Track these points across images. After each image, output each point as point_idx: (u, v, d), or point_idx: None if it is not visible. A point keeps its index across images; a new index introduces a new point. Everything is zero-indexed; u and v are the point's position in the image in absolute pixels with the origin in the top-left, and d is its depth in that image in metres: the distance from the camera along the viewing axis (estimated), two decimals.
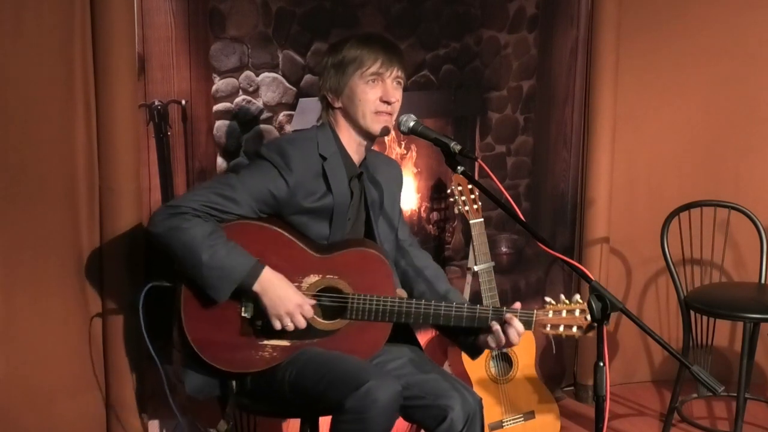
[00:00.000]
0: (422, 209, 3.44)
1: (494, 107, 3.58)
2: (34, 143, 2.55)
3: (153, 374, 2.71)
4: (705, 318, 3.53)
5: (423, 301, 2.36)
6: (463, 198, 3.14)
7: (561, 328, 2.33)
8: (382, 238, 2.51)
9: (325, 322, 2.36)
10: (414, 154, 3.37)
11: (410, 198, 3.40)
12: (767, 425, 3.63)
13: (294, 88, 3.01)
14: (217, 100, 2.86)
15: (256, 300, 2.30)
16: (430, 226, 3.48)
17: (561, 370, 3.96)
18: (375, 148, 2.60)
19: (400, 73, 2.41)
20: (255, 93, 2.93)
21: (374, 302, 2.34)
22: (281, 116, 2.99)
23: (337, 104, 2.42)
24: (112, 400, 2.77)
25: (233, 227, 2.29)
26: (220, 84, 2.85)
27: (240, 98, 2.90)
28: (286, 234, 2.33)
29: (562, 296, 2.35)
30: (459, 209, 3.15)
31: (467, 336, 2.44)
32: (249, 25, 2.89)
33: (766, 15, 3.83)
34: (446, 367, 3.34)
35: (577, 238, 3.88)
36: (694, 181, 3.90)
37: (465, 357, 3.21)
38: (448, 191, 3.19)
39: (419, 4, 3.28)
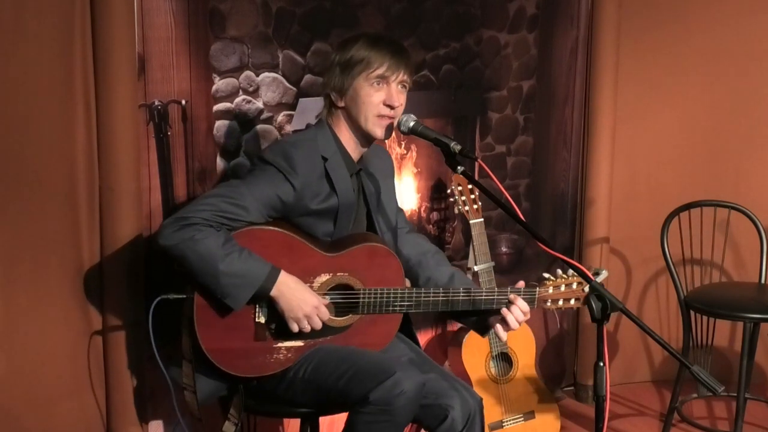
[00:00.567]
0: (422, 209, 3.44)
1: (494, 107, 3.58)
2: (34, 143, 2.55)
3: (153, 374, 2.71)
4: (705, 318, 3.53)
5: (432, 290, 2.38)
6: (463, 198, 3.14)
7: (560, 302, 2.38)
8: (383, 229, 2.52)
9: (339, 319, 2.37)
10: (414, 154, 3.37)
11: (410, 198, 3.40)
12: (767, 425, 3.63)
13: (294, 88, 3.01)
14: (217, 100, 2.86)
15: (271, 304, 2.30)
16: (430, 226, 3.48)
17: (561, 370, 3.97)
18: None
19: (405, 77, 2.41)
20: (255, 93, 2.93)
21: (385, 295, 2.36)
22: (281, 116, 2.99)
23: (341, 104, 2.42)
24: (112, 400, 2.76)
25: (243, 234, 2.29)
26: (220, 84, 2.85)
27: (240, 98, 2.90)
28: (295, 236, 2.34)
29: (559, 270, 2.39)
30: (459, 209, 3.15)
31: (473, 316, 2.47)
32: (249, 25, 2.89)
33: (765, 15, 3.83)
34: (446, 366, 3.34)
35: (577, 238, 3.88)
36: (694, 181, 3.90)
37: (465, 357, 3.21)
38: (448, 191, 3.18)
39: (419, 4, 3.28)
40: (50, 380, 2.66)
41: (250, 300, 2.27)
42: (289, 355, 2.35)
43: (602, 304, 2.00)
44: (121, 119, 2.64)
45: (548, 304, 2.39)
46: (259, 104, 2.94)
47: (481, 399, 2.43)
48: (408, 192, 3.38)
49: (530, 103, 3.69)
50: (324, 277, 2.35)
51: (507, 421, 3.26)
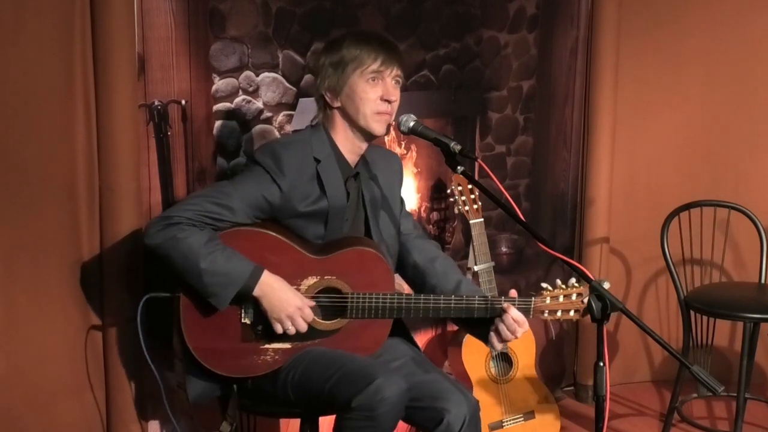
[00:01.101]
0: (422, 209, 3.44)
1: (494, 107, 3.58)
2: (34, 143, 2.55)
3: (152, 376, 2.71)
4: (705, 318, 3.53)
5: (422, 296, 2.36)
6: (463, 198, 3.14)
7: (558, 313, 2.33)
8: (383, 235, 2.50)
9: (326, 322, 2.36)
10: (414, 154, 3.37)
11: (410, 198, 3.40)
12: (767, 425, 3.63)
13: (294, 88, 3.01)
14: (217, 100, 2.86)
15: (256, 304, 2.30)
16: (430, 226, 3.48)
17: (561, 370, 3.97)
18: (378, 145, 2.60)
19: (399, 72, 2.41)
20: (255, 93, 2.93)
21: (373, 300, 2.34)
22: (281, 116, 2.99)
23: (336, 104, 2.41)
24: (112, 400, 2.76)
25: (229, 234, 2.29)
26: (220, 84, 2.85)
27: (240, 98, 2.90)
28: (282, 238, 2.33)
29: (558, 281, 2.34)
30: (459, 209, 3.15)
31: (476, 327, 2.42)
32: (249, 25, 2.89)
33: (765, 15, 3.83)
34: (446, 367, 3.34)
35: (577, 238, 3.88)
36: (694, 181, 3.90)
37: (465, 357, 3.21)
38: (448, 191, 3.19)
39: (419, 4, 3.28)
40: (50, 379, 2.65)
41: (234, 300, 2.27)
42: (277, 356, 2.35)
43: (602, 304, 2.00)
44: (121, 119, 2.64)
45: (545, 315, 2.33)
46: (259, 104, 2.94)
47: (478, 402, 2.41)
48: (408, 192, 3.38)
49: (530, 103, 3.69)
50: (311, 280, 2.34)
51: (507, 421, 3.26)
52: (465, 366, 3.21)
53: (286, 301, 2.28)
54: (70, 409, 2.71)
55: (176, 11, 2.74)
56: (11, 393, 2.55)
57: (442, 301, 2.35)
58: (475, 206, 3.16)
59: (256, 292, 2.27)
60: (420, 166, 3.39)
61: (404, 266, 2.57)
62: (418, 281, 2.54)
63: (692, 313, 3.42)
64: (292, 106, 3.01)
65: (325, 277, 2.35)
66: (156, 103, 2.75)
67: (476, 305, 2.34)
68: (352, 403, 2.16)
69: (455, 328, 3.41)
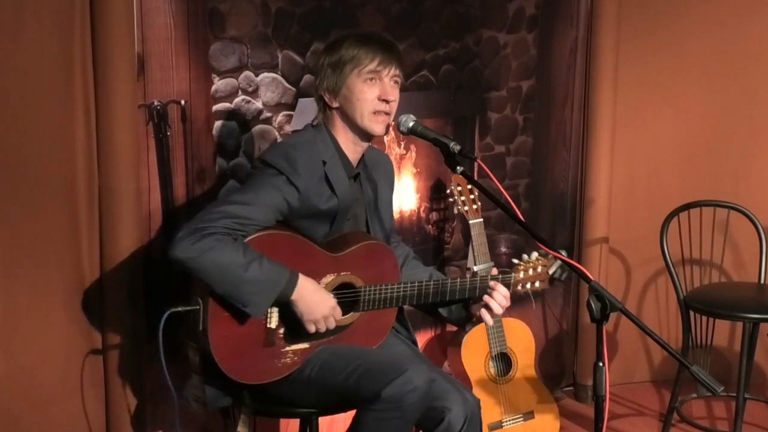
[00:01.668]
0: (421, 209, 3.44)
1: (494, 107, 3.58)
2: (33, 143, 2.55)
3: (152, 376, 2.71)
4: (704, 318, 3.53)
5: (424, 282, 2.43)
6: (463, 198, 3.14)
7: (529, 285, 2.52)
8: (378, 236, 2.52)
9: (342, 318, 2.38)
10: (413, 154, 3.37)
11: (410, 198, 3.40)
12: (767, 425, 3.63)
13: (293, 89, 3.01)
14: (217, 101, 2.86)
15: (288, 308, 2.28)
16: (430, 226, 3.48)
17: (560, 370, 3.97)
18: (374, 146, 2.60)
19: (397, 72, 2.41)
20: (254, 93, 2.93)
21: (383, 291, 2.39)
22: (281, 116, 2.99)
23: (335, 104, 2.41)
24: (111, 401, 2.76)
25: (253, 240, 2.26)
26: (219, 84, 2.85)
27: (239, 98, 2.90)
28: (301, 237, 2.34)
29: (525, 256, 2.52)
30: (458, 209, 3.15)
31: (454, 311, 2.54)
32: (248, 26, 2.89)
33: (765, 16, 3.83)
34: (445, 367, 3.34)
35: (577, 238, 3.88)
36: (694, 181, 3.90)
37: (465, 357, 3.21)
38: (448, 191, 3.19)
39: (419, 4, 3.28)
40: (49, 379, 2.66)
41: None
42: (296, 358, 2.35)
43: (602, 304, 1.99)
44: (120, 119, 2.64)
45: (519, 288, 2.50)
46: (259, 104, 2.94)
47: (479, 401, 2.43)
48: (407, 192, 3.38)
49: (530, 103, 3.69)
50: (329, 277, 2.36)
51: (506, 422, 3.26)
52: (464, 366, 3.21)
53: (322, 302, 2.29)
54: (70, 409, 2.71)
55: (176, 11, 2.74)
56: (11, 393, 2.55)
57: (440, 284, 2.43)
58: (474, 206, 3.16)
59: (294, 296, 2.26)
60: (419, 166, 3.39)
61: None
62: None
63: (692, 313, 3.42)
64: (292, 107, 3.01)
65: (341, 274, 2.37)
66: (155, 103, 2.75)
67: (468, 285, 2.45)
68: (381, 394, 2.18)
69: (455, 328, 3.41)
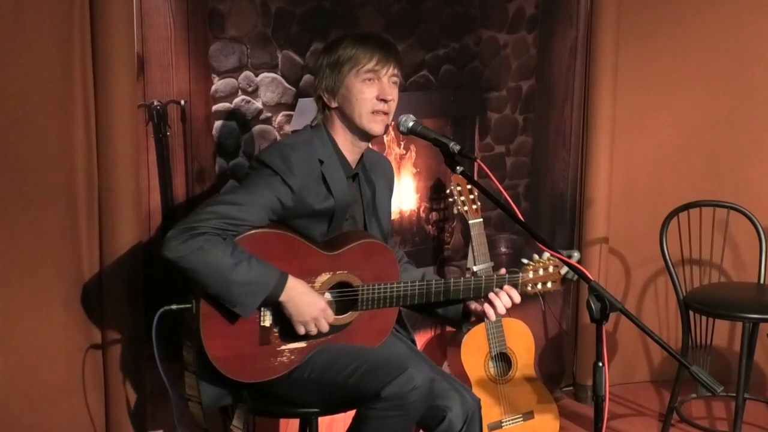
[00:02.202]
0: (421, 209, 3.44)
1: (493, 107, 3.58)
2: (33, 143, 2.55)
3: (151, 380, 2.71)
4: (704, 318, 3.53)
5: (425, 282, 2.42)
6: (462, 198, 3.14)
7: (539, 285, 2.46)
8: (375, 237, 2.51)
9: (339, 317, 2.38)
10: (413, 154, 3.37)
11: (409, 198, 3.40)
12: (766, 425, 3.63)
13: (293, 89, 3.01)
14: (217, 101, 2.86)
15: (279, 308, 2.29)
16: (430, 226, 3.48)
17: (560, 370, 3.97)
18: (374, 147, 2.60)
19: (396, 72, 2.41)
20: (254, 93, 2.93)
21: (382, 290, 2.38)
22: (280, 116, 2.99)
23: (333, 104, 2.41)
24: (111, 401, 2.76)
25: (246, 239, 2.27)
26: (219, 84, 2.85)
27: (239, 98, 2.90)
28: (295, 236, 2.34)
29: (536, 256, 2.47)
30: (458, 209, 3.15)
31: (451, 310, 2.52)
32: (248, 26, 2.89)
33: (765, 16, 3.84)
34: (445, 367, 3.34)
35: (576, 238, 3.88)
36: (694, 181, 3.90)
37: (464, 357, 3.21)
38: (448, 191, 3.19)
39: (419, 4, 3.28)
40: (49, 380, 2.66)
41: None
42: (293, 357, 2.35)
43: (601, 305, 1.99)
44: (120, 119, 2.64)
45: (529, 288, 2.46)
46: (258, 104, 2.94)
47: (480, 400, 2.43)
48: (407, 192, 3.38)
49: (529, 103, 3.69)
50: (325, 276, 2.36)
51: (506, 422, 3.26)
52: (464, 366, 3.21)
53: (312, 304, 2.29)
54: (69, 410, 2.71)
55: (175, 11, 2.74)
56: (10, 393, 2.55)
57: (443, 284, 2.41)
58: (474, 206, 3.16)
59: (283, 297, 2.26)
60: (419, 166, 3.39)
61: None
62: None
63: (691, 313, 3.42)
64: (292, 107, 3.01)
65: (337, 273, 2.37)
66: (155, 103, 2.74)
67: (473, 285, 2.43)
68: (382, 393, 2.18)
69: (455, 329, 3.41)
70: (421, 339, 3.43)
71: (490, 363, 3.26)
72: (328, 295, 2.37)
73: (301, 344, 2.36)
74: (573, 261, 2.11)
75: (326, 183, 2.37)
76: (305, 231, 2.37)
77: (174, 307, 2.29)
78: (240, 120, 2.91)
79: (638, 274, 4.04)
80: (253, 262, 2.22)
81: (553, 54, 3.73)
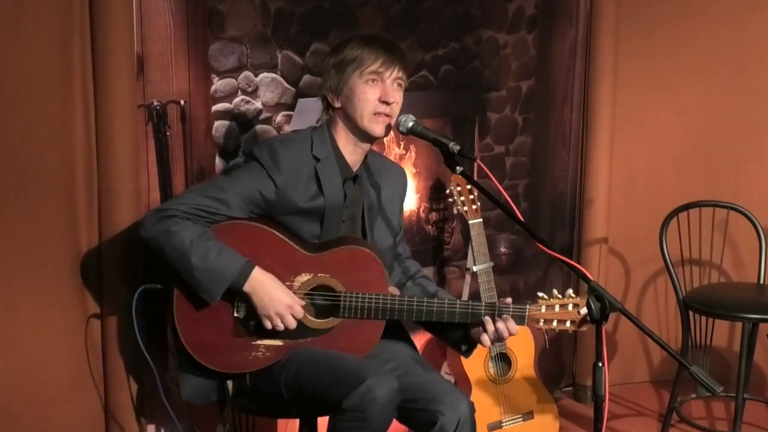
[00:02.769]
0: (421, 209, 3.44)
1: (493, 107, 3.58)
2: (32, 143, 2.55)
3: (151, 376, 2.70)
4: (704, 318, 3.53)
5: (415, 298, 2.36)
6: (462, 198, 3.14)
7: (554, 323, 2.32)
8: (378, 244, 2.50)
9: (318, 321, 2.36)
10: (413, 154, 3.37)
11: (409, 198, 3.40)
12: (766, 425, 3.63)
13: (293, 89, 3.01)
14: (216, 101, 2.86)
15: (247, 300, 2.30)
16: (429, 226, 3.48)
17: (560, 370, 3.97)
18: (374, 147, 2.60)
19: (400, 75, 2.40)
20: (254, 93, 2.93)
21: (366, 300, 2.34)
22: (280, 116, 2.99)
23: (337, 104, 2.42)
24: (111, 401, 2.76)
25: (223, 228, 2.29)
26: (218, 84, 2.85)
27: (239, 98, 2.90)
28: (277, 233, 2.33)
29: (555, 291, 2.33)
30: (458, 209, 3.15)
31: (456, 333, 2.44)
32: (248, 26, 2.89)
33: (764, 16, 3.84)
34: (445, 367, 3.34)
35: (576, 238, 3.88)
36: (693, 182, 3.90)
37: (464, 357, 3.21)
38: (447, 191, 3.19)
39: (419, 4, 3.28)
40: (49, 379, 2.65)
41: (226, 295, 2.27)
42: (269, 353, 2.34)
43: (601, 305, 2.00)
44: (119, 119, 2.64)
45: (540, 323, 2.32)
46: (258, 104, 2.94)
47: (473, 404, 2.40)
48: (407, 192, 3.37)
49: (529, 103, 3.69)
50: (305, 277, 2.34)
51: (506, 422, 3.26)
52: (464, 366, 3.21)
53: (276, 298, 2.28)
54: (69, 408, 2.70)
55: (175, 11, 2.74)
56: (11, 393, 2.55)
57: (435, 304, 2.35)
58: (474, 206, 3.16)
59: (246, 288, 2.27)
60: (419, 167, 3.39)
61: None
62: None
63: (691, 313, 3.42)
64: (291, 107, 3.01)
65: (319, 275, 2.35)
66: (155, 103, 2.74)
67: (470, 310, 2.35)
68: (342, 404, 2.16)
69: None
70: (421, 339, 3.43)
71: (490, 363, 3.26)
72: (306, 298, 2.35)
73: (278, 342, 2.34)
74: (573, 262, 2.11)
75: (318, 181, 2.37)
76: (294, 230, 2.37)
77: (153, 286, 2.35)
78: (240, 120, 2.91)
79: (638, 274, 4.04)
80: (220, 249, 2.24)
81: (552, 54, 3.73)
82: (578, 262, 3.63)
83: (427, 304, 2.35)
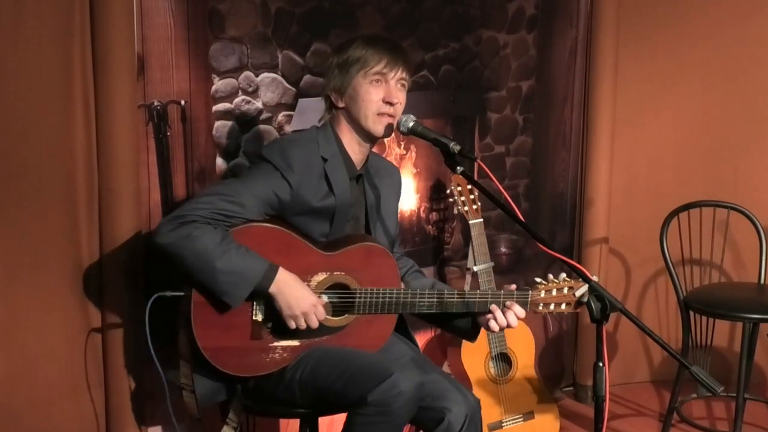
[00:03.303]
0: (421, 209, 3.44)
1: (493, 107, 3.58)
2: (33, 144, 2.55)
3: (152, 376, 2.71)
4: (704, 318, 3.53)
5: (427, 291, 2.38)
6: (463, 198, 3.14)
7: (552, 306, 2.39)
8: (378, 241, 2.50)
9: (335, 319, 2.37)
10: (413, 154, 3.37)
11: (409, 198, 3.40)
12: (767, 425, 3.63)
13: (293, 89, 3.01)
14: (217, 101, 2.86)
15: (269, 302, 2.29)
16: (430, 226, 3.48)
17: (560, 370, 3.97)
18: (374, 148, 2.60)
19: (404, 75, 2.41)
20: (254, 93, 2.93)
21: (380, 295, 2.36)
22: (280, 116, 2.99)
23: (340, 104, 2.42)
24: (111, 403, 2.76)
25: (240, 231, 2.28)
26: (219, 84, 2.85)
27: (239, 98, 2.90)
28: (293, 234, 2.34)
29: (550, 275, 2.40)
30: (458, 209, 3.15)
31: (461, 321, 2.47)
32: (248, 26, 2.89)
33: (765, 16, 3.84)
34: (445, 367, 3.34)
35: (577, 238, 3.88)
36: (694, 182, 3.90)
37: (464, 357, 3.21)
38: (448, 191, 3.19)
39: (419, 4, 3.28)
40: (50, 379, 2.66)
41: (247, 297, 2.27)
42: (285, 354, 2.35)
43: (601, 305, 2.00)
44: (120, 119, 2.64)
45: (540, 307, 2.39)
46: (259, 104, 2.94)
47: (479, 401, 2.43)
48: (407, 192, 3.38)
49: (529, 103, 3.69)
50: (321, 276, 2.35)
51: (506, 422, 3.26)
52: (464, 366, 3.21)
53: (302, 298, 2.28)
54: (70, 409, 2.71)
55: (176, 11, 2.74)
56: (11, 393, 2.55)
57: (446, 296, 2.38)
58: (474, 206, 3.16)
59: (272, 289, 2.26)
60: (419, 167, 3.39)
61: None
62: None
63: (692, 313, 3.42)
64: (292, 107, 3.01)
65: (334, 273, 2.36)
66: (155, 103, 2.75)
67: (478, 299, 2.38)
68: (367, 399, 2.17)
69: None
70: (422, 339, 3.43)
71: (491, 363, 3.26)
72: (324, 297, 2.36)
73: (294, 342, 2.35)
74: (573, 261, 2.11)
75: (328, 181, 2.38)
76: (305, 229, 2.38)
77: (168, 293, 2.31)
78: (240, 120, 2.91)
79: (638, 274, 4.04)
80: (243, 252, 2.23)
81: (553, 54, 3.73)
82: (579, 262, 3.64)
83: (438, 296, 2.38)
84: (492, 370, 3.27)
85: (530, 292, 2.38)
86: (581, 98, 3.79)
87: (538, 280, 2.40)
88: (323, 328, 2.35)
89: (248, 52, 2.90)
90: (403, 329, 2.61)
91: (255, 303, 2.31)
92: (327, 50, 3.03)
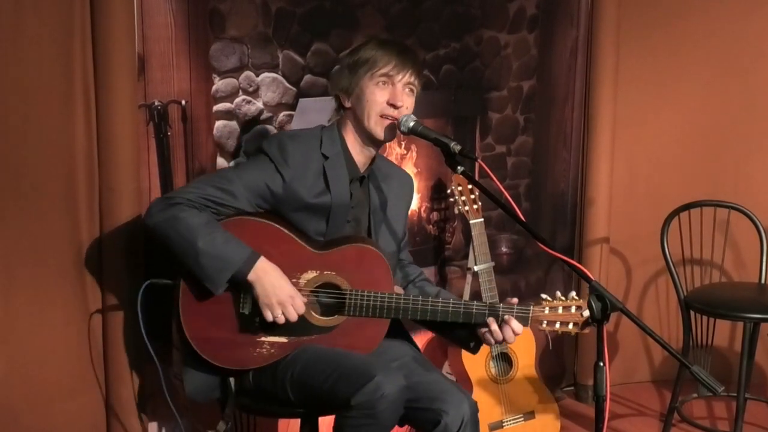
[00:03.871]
0: (422, 209, 3.44)
1: (494, 107, 3.58)
2: (33, 143, 2.55)
3: (153, 374, 2.70)
4: (705, 318, 3.53)
5: (420, 298, 2.37)
6: (463, 198, 3.14)
7: (557, 325, 2.35)
8: (381, 246, 2.50)
9: (323, 318, 2.36)
10: (414, 154, 3.37)
11: None
12: (767, 425, 3.63)
13: (294, 89, 3.01)
14: (217, 101, 2.86)
15: (250, 290, 2.29)
16: (430, 226, 3.48)
17: (561, 370, 3.97)
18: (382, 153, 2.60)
19: (412, 80, 2.42)
20: (255, 93, 2.93)
21: (372, 298, 2.35)
22: (281, 116, 2.99)
23: (348, 104, 2.44)
24: (112, 400, 2.77)
25: (231, 223, 2.30)
26: (220, 84, 2.85)
27: (240, 98, 2.90)
28: (284, 230, 2.34)
29: (558, 293, 2.36)
30: (459, 209, 3.15)
31: (462, 332, 2.45)
32: (249, 26, 2.89)
33: (765, 16, 3.83)
34: (446, 366, 3.34)
35: (577, 238, 3.88)
36: (694, 181, 3.90)
37: (465, 357, 3.21)
38: (448, 191, 3.19)
39: (419, 4, 3.28)
40: (50, 379, 2.66)
41: (232, 287, 2.28)
42: (273, 350, 2.35)
43: (602, 304, 2.00)
44: (120, 119, 2.64)
45: (544, 325, 2.35)
46: (259, 104, 2.94)
47: (476, 403, 2.40)
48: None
49: (530, 103, 3.69)
50: (311, 274, 2.35)
51: (507, 421, 3.26)
52: (465, 366, 3.21)
53: (279, 287, 2.28)
54: (70, 408, 2.71)
55: (176, 11, 2.74)
56: (11, 392, 2.55)
57: (440, 304, 2.36)
58: (475, 206, 3.16)
59: (251, 276, 2.26)
60: (420, 166, 3.39)
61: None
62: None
63: (692, 313, 3.42)
64: (292, 107, 3.01)
65: (325, 272, 2.35)
66: (156, 103, 2.75)
67: (474, 310, 2.36)
68: (351, 402, 2.16)
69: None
70: (422, 339, 3.43)
71: (491, 363, 3.26)
72: (312, 297, 2.35)
73: (282, 339, 2.35)
74: (574, 261, 2.11)
75: (326, 178, 2.38)
76: (301, 227, 2.38)
77: (159, 281, 2.34)
78: (241, 120, 2.91)
79: (639, 273, 4.04)
80: (226, 237, 2.25)
81: (553, 54, 3.73)
82: (579, 262, 3.63)
83: (432, 303, 2.36)
84: (493, 370, 3.27)
85: (532, 307, 2.35)
86: (582, 98, 3.80)
87: (543, 296, 2.36)
88: (311, 327, 2.35)
89: (249, 51, 2.90)
90: (401, 332, 2.60)
91: (242, 295, 2.31)
92: (328, 50, 3.03)
